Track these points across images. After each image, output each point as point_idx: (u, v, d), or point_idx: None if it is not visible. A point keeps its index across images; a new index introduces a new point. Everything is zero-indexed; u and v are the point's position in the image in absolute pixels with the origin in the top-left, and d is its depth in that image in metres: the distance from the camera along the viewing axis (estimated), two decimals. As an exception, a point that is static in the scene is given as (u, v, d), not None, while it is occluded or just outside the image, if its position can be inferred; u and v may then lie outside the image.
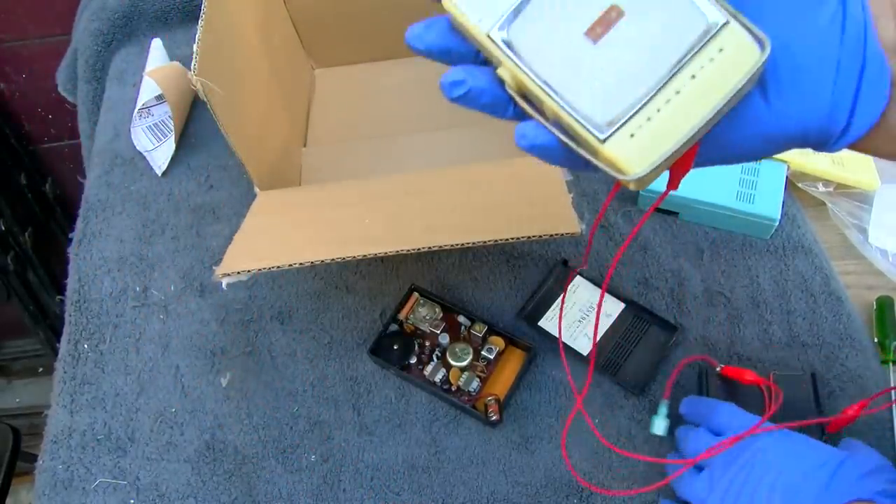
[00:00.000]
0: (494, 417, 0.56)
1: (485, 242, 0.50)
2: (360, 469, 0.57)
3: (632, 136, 0.29)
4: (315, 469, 0.57)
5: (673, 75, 0.29)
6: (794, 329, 0.59)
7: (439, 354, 0.59)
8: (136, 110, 0.76)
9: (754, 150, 0.32)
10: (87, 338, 0.65)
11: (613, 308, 0.60)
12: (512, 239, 0.50)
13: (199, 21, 0.54)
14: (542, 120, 0.31)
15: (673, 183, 0.32)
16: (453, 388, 0.58)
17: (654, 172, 0.29)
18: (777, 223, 0.63)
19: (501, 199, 0.56)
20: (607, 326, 0.59)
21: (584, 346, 0.59)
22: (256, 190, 0.63)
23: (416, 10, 0.88)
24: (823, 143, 0.31)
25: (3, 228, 1.23)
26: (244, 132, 0.60)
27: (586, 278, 0.62)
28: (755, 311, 0.61)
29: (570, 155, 0.31)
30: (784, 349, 0.59)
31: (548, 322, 0.60)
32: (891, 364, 0.58)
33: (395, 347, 0.60)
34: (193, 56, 0.52)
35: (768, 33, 0.29)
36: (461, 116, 0.79)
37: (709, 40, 0.28)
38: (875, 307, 0.61)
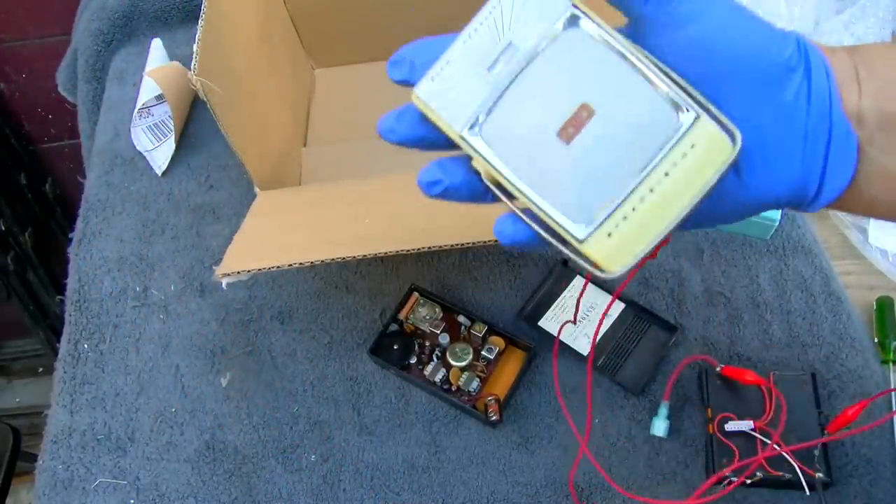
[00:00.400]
0: (494, 417, 0.56)
1: (485, 242, 0.50)
2: (360, 469, 0.57)
3: (609, 235, 0.29)
4: (315, 469, 0.57)
5: (647, 174, 0.29)
6: (794, 329, 0.59)
7: (439, 354, 0.59)
8: (136, 110, 0.76)
9: (730, 218, 0.32)
10: (87, 338, 0.65)
11: (613, 308, 0.60)
12: (512, 239, 0.50)
13: (199, 21, 0.54)
14: (519, 213, 0.31)
15: (652, 253, 0.32)
16: (453, 388, 0.58)
17: (636, 266, 0.29)
18: (777, 223, 0.63)
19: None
20: (607, 326, 0.59)
21: (583, 346, 0.59)
22: (256, 190, 0.63)
23: (416, 11, 0.88)
24: (798, 206, 0.31)
25: (3, 228, 1.23)
26: (244, 132, 0.60)
27: (586, 278, 0.62)
28: (755, 311, 0.61)
29: (551, 245, 0.32)
30: (784, 349, 0.59)
31: (548, 322, 0.60)
32: (891, 364, 0.58)
33: (395, 347, 0.60)
34: (193, 56, 0.52)
35: (736, 114, 0.29)
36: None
37: (680, 137, 0.29)
38: (875, 307, 0.61)
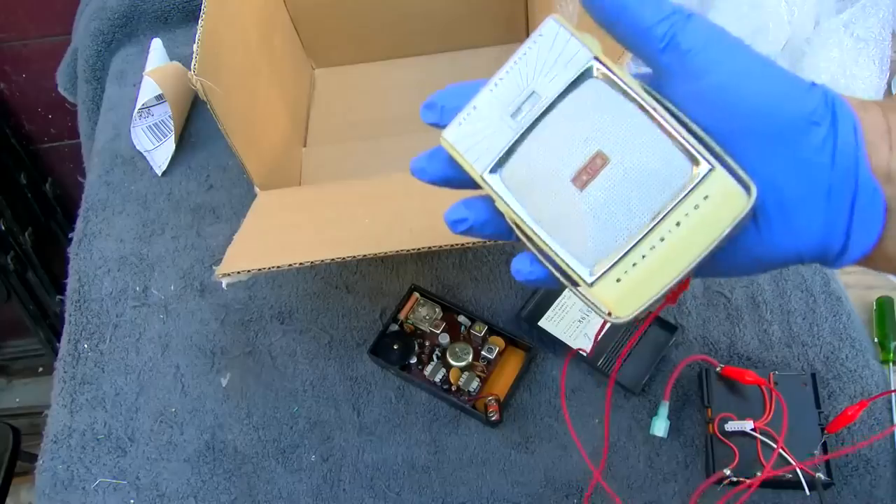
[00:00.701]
0: (494, 417, 0.56)
1: (485, 242, 0.50)
2: (360, 469, 0.57)
3: (618, 280, 0.30)
4: (315, 469, 0.57)
5: (658, 222, 0.29)
6: (794, 329, 0.59)
7: (439, 354, 0.59)
8: (136, 110, 0.76)
9: (749, 271, 0.32)
10: (87, 337, 0.65)
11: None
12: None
13: (199, 21, 0.54)
14: (536, 253, 0.32)
15: (671, 299, 0.32)
16: (453, 388, 0.58)
17: (644, 312, 0.30)
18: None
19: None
20: (607, 326, 0.59)
21: (583, 346, 0.58)
22: (256, 190, 0.63)
23: (416, 11, 0.88)
24: (822, 263, 0.31)
25: (3, 228, 1.23)
26: (244, 132, 0.60)
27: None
28: (755, 311, 0.61)
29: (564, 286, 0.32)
30: (784, 349, 0.59)
31: (548, 322, 0.60)
32: (891, 364, 0.58)
33: (395, 347, 0.60)
34: (193, 56, 0.52)
35: (753, 167, 0.29)
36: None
37: (694, 188, 0.29)
38: (875, 307, 0.61)
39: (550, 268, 0.31)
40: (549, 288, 0.33)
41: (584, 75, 0.30)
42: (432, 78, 0.81)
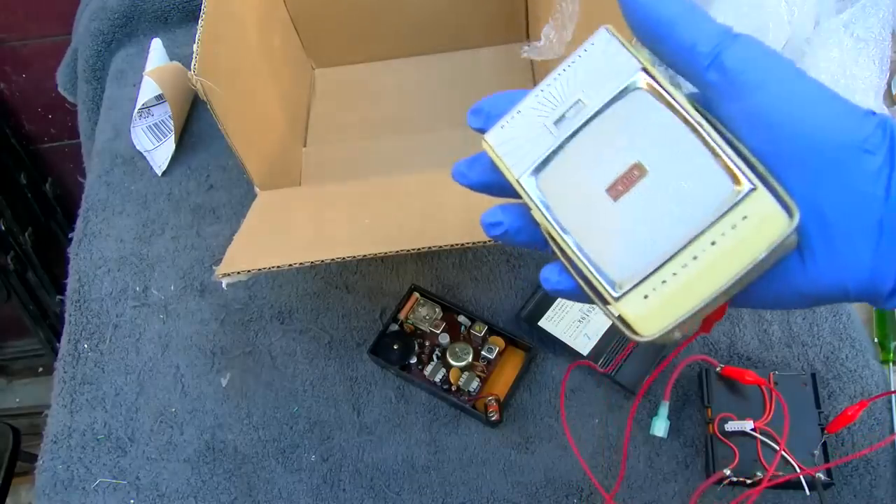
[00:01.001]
0: (494, 417, 0.56)
1: (485, 242, 0.50)
2: (360, 469, 0.57)
3: (645, 297, 0.29)
4: (315, 469, 0.57)
5: (692, 240, 0.28)
6: (794, 329, 0.59)
7: (439, 354, 0.59)
8: (136, 110, 0.76)
9: (791, 304, 0.30)
10: (87, 337, 0.65)
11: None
12: (512, 239, 0.50)
13: (199, 21, 0.54)
14: (566, 263, 0.31)
15: (706, 327, 0.31)
16: (453, 388, 0.58)
17: (669, 334, 0.28)
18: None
19: (501, 199, 0.56)
20: (607, 326, 0.59)
21: (583, 346, 0.58)
22: (256, 190, 0.63)
23: (416, 11, 0.88)
24: (871, 303, 0.29)
25: (3, 228, 1.23)
26: (244, 132, 0.60)
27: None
28: (755, 311, 0.61)
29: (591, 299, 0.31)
30: (784, 349, 0.59)
31: (548, 322, 0.60)
32: (891, 364, 0.58)
33: (395, 347, 0.60)
34: (193, 56, 0.52)
35: (798, 193, 0.27)
36: (461, 117, 0.79)
37: (732, 207, 0.28)
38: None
39: (579, 280, 0.31)
40: (576, 300, 0.33)
41: (631, 86, 0.30)
42: (432, 78, 0.81)
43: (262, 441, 0.59)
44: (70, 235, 0.73)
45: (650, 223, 0.29)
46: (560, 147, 0.31)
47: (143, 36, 0.87)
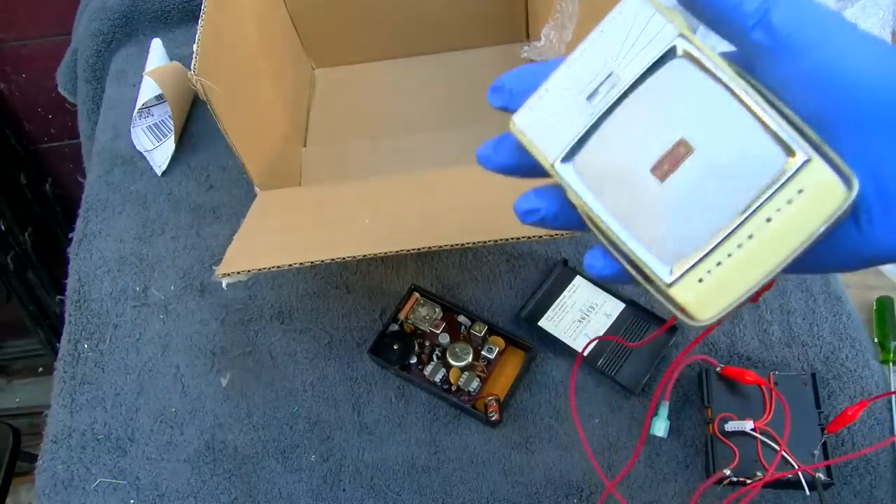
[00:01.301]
0: (494, 417, 0.56)
1: (485, 242, 0.50)
2: (360, 469, 0.57)
3: (700, 280, 0.27)
4: (315, 469, 0.57)
5: (746, 218, 0.27)
6: (794, 329, 0.59)
7: (439, 354, 0.59)
8: (136, 110, 0.76)
9: (845, 267, 0.29)
10: (87, 338, 0.65)
11: (613, 308, 0.60)
12: (512, 239, 0.50)
13: (199, 21, 0.54)
14: (610, 248, 0.30)
15: (754, 299, 0.30)
16: (453, 388, 0.58)
17: (726, 315, 0.27)
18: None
19: (501, 199, 0.56)
20: (607, 326, 0.59)
21: (583, 346, 0.58)
22: (256, 190, 0.63)
23: (416, 11, 0.88)
24: None
25: (3, 228, 1.23)
26: (244, 132, 0.60)
27: (586, 278, 0.62)
28: (755, 310, 0.61)
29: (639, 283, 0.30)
30: (784, 349, 0.59)
31: (548, 322, 0.60)
32: (891, 364, 0.58)
33: (395, 347, 0.60)
34: (193, 56, 0.52)
35: (856, 154, 0.26)
36: (461, 117, 0.79)
37: (787, 180, 0.26)
38: (875, 307, 0.61)
39: (625, 264, 0.29)
40: (623, 283, 0.31)
41: (668, 55, 0.28)
42: (432, 78, 0.81)
43: (262, 441, 0.59)
44: (70, 235, 0.73)
45: (700, 203, 0.27)
46: (595, 125, 0.29)
47: (143, 36, 0.87)
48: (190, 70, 0.52)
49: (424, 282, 0.64)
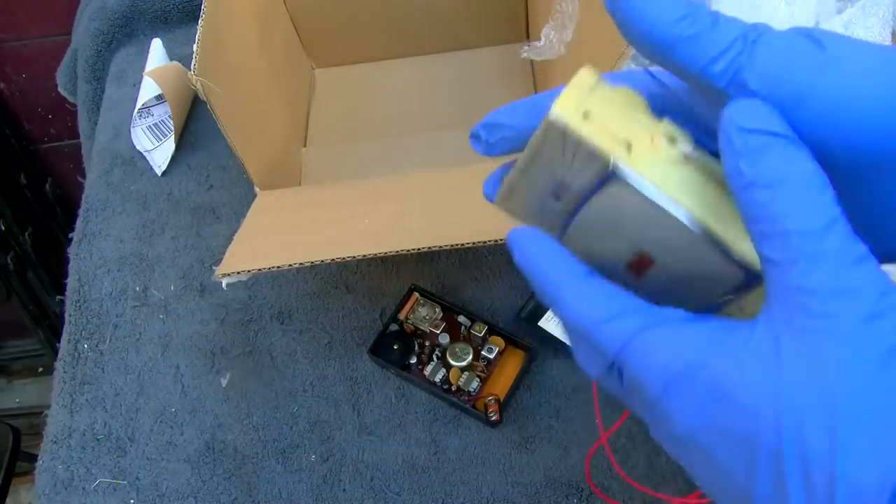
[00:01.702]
0: (494, 417, 0.56)
1: (485, 242, 0.50)
2: (360, 469, 0.57)
3: None
4: (315, 469, 0.57)
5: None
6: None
7: (439, 354, 0.59)
8: (135, 110, 0.76)
9: None
10: (87, 338, 0.65)
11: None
12: (512, 239, 0.50)
13: (199, 21, 0.54)
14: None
15: None
16: (453, 388, 0.58)
17: None
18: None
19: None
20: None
21: (584, 346, 0.59)
22: (256, 190, 0.63)
23: (416, 11, 0.88)
24: None
25: (3, 228, 1.23)
26: (244, 132, 0.60)
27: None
28: (755, 311, 0.60)
29: None
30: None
31: (548, 322, 0.60)
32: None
33: (395, 347, 0.60)
34: (193, 56, 0.52)
35: (882, 195, 0.25)
36: (461, 117, 0.79)
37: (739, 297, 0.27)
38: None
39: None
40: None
41: (608, 175, 0.26)
42: (432, 78, 0.81)
43: (262, 441, 0.59)
44: (70, 235, 0.73)
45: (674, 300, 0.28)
46: (566, 224, 0.29)
47: (143, 36, 0.87)
48: (190, 70, 0.52)
49: (424, 282, 0.64)
